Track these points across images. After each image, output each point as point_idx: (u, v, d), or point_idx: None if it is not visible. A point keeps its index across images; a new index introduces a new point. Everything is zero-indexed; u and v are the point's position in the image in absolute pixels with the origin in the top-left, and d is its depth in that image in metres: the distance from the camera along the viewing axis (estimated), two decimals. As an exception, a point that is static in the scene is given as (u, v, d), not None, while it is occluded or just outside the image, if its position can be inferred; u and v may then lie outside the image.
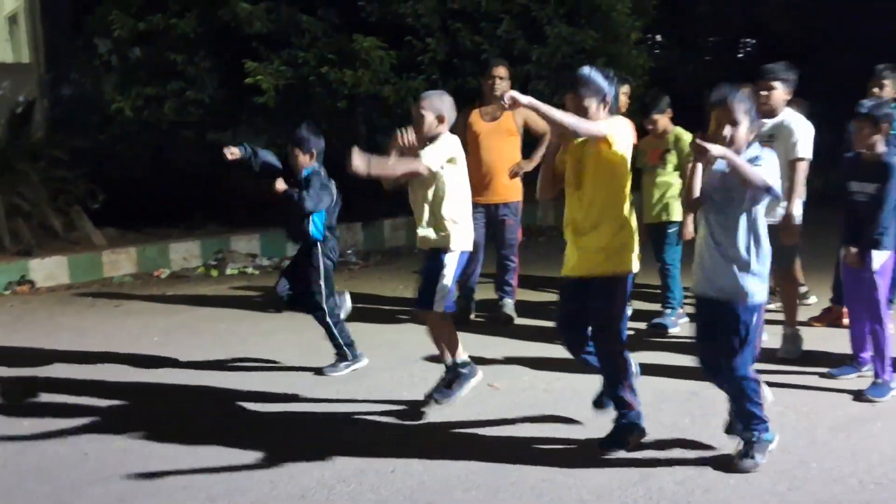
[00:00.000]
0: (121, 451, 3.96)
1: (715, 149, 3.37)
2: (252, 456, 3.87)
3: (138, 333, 6.20)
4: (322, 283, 5.02)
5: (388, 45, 9.35)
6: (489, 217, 6.19)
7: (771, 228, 5.17)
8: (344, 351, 5.07)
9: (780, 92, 5.09)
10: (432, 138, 4.30)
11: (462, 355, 4.44)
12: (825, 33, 15.41)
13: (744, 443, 3.62)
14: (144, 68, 9.83)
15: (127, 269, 8.46)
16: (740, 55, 17.89)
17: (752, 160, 3.48)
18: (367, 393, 4.65)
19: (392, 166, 4.16)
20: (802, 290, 6.78)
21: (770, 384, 4.68)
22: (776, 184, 3.48)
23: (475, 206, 6.15)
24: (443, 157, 4.23)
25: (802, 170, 5.06)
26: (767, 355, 5.24)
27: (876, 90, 5.55)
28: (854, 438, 3.94)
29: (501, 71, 6.14)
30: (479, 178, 6.14)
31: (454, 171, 4.30)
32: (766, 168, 3.46)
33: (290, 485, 3.57)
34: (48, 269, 8.06)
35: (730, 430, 3.82)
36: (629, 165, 3.80)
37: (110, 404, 4.64)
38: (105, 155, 10.04)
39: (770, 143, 5.08)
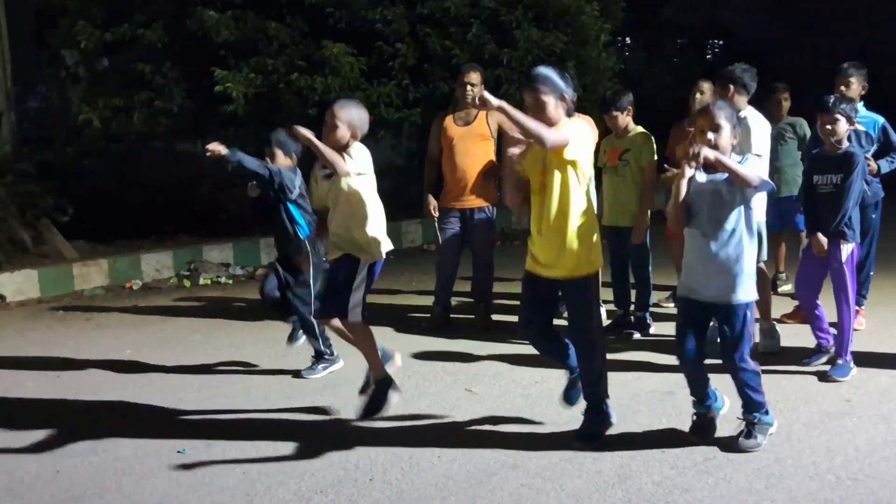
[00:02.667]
0: (93, 468, 3.89)
1: (707, 151, 3.59)
2: (227, 469, 3.82)
3: (110, 347, 6.12)
4: (311, 279, 4.99)
5: (357, 52, 9.33)
6: (464, 221, 6.19)
7: None
8: (322, 349, 5.13)
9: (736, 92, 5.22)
10: (343, 148, 4.19)
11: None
12: (787, 36, 15.64)
13: (745, 424, 3.82)
14: (112, 79, 9.73)
15: (98, 281, 8.35)
16: (708, 57, 18.10)
17: (739, 162, 3.71)
18: (342, 402, 4.61)
19: (326, 150, 4.06)
20: (782, 276, 6.92)
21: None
22: (764, 172, 3.83)
23: (450, 210, 6.20)
24: (363, 167, 4.19)
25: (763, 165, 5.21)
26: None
27: (843, 88, 5.63)
28: (829, 434, 3.97)
29: (474, 76, 6.13)
30: (454, 183, 6.14)
31: (370, 184, 4.25)
32: (753, 163, 3.73)
33: (267, 498, 3.52)
34: (18, 284, 7.93)
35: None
36: (591, 166, 3.91)
37: (81, 420, 4.56)
38: (73, 167, 9.92)
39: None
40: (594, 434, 3.94)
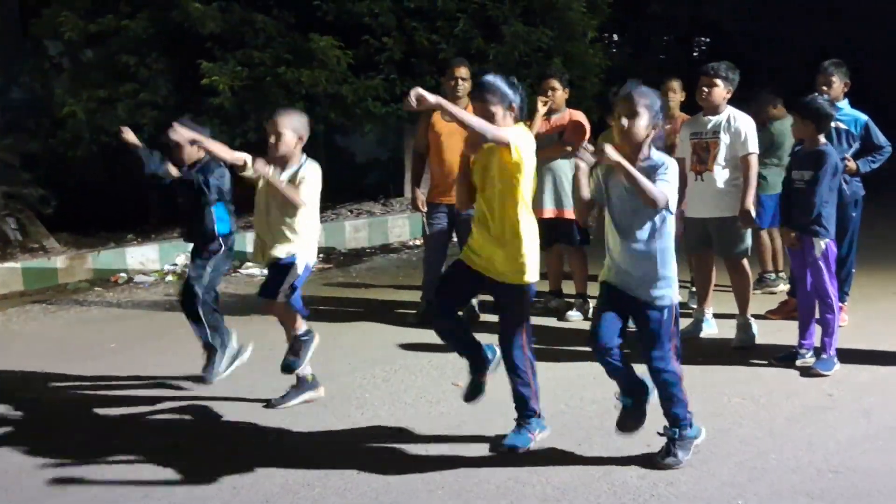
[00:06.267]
0: (77, 463, 3.87)
1: (612, 154, 3.28)
2: (214, 463, 3.82)
3: (95, 340, 6.09)
4: (208, 270, 4.89)
5: (344, 45, 9.32)
6: (451, 216, 6.19)
7: (724, 220, 5.38)
8: (211, 344, 4.93)
9: (720, 89, 5.32)
10: (289, 157, 4.28)
11: (302, 327, 4.44)
12: (774, 32, 15.72)
13: (666, 439, 3.62)
14: (96, 70, 9.66)
15: (82, 275, 8.29)
16: (695, 54, 18.20)
17: (656, 168, 3.41)
18: (329, 396, 4.62)
19: (282, 187, 4.17)
20: (771, 276, 6.98)
21: (728, 377, 4.80)
22: (673, 199, 3.42)
23: (438, 205, 6.21)
24: (315, 193, 4.29)
25: (754, 163, 5.27)
26: (722, 346, 5.35)
27: (824, 87, 5.67)
28: (811, 428, 4.02)
29: (463, 71, 6.13)
30: (442, 178, 6.14)
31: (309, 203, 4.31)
32: (668, 181, 3.39)
33: (254, 490, 3.53)
34: (1, 277, 7.87)
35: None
36: (531, 174, 3.78)
37: (64, 415, 4.55)
38: (57, 159, 9.86)
39: (715, 140, 5.28)
40: (516, 443, 3.86)
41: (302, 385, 4.55)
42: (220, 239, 4.93)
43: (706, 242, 5.48)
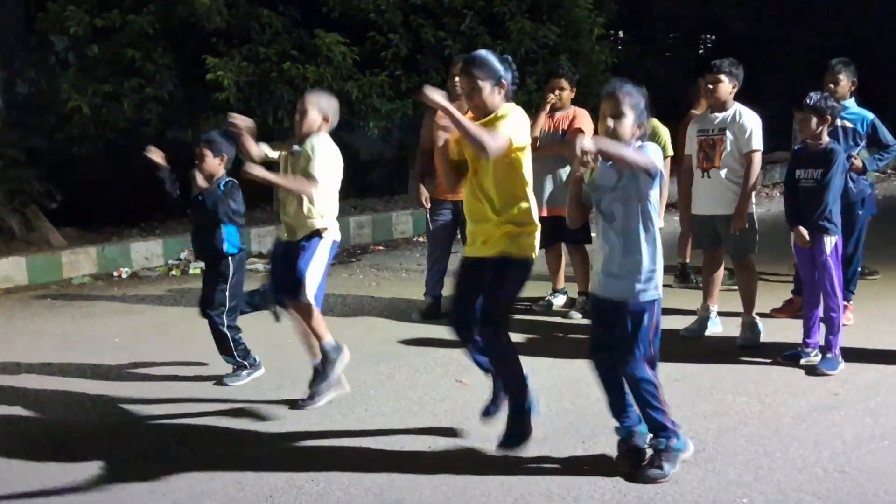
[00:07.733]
0: (82, 457, 3.87)
1: (587, 142, 3.13)
2: (218, 457, 3.82)
3: (99, 335, 6.10)
4: (227, 292, 4.82)
5: (350, 41, 9.32)
6: (456, 213, 6.19)
7: (730, 217, 5.36)
8: (239, 362, 4.91)
9: (726, 85, 5.30)
10: (309, 135, 4.30)
11: (329, 338, 4.44)
12: (780, 30, 15.70)
13: (652, 450, 3.50)
14: (102, 65, 9.66)
15: (87, 269, 8.32)
16: (700, 51, 18.17)
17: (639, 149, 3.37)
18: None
19: (290, 183, 4.26)
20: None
21: (733, 375, 4.79)
22: (660, 163, 3.36)
23: (443, 202, 6.20)
24: (326, 169, 4.30)
25: (757, 161, 5.25)
26: (728, 345, 5.33)
27: (831, 85, 5.65)
28: (817, 427, 4.00)
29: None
30: (446, 175, 6.13)
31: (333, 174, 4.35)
32: (652, 152, 3.34)
33: (258, 485, 3.52)
34: (5, 271, 7.89)
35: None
36: (528, 150, 3.70)
37: (71, 409, 4.55)
38: (62, 154, 9.86)
39: (721, 137, 5.26)
40: (513, 438, 3.70)
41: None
42: (229, 258, 4.82)
43: (715, 240, 5.46)
